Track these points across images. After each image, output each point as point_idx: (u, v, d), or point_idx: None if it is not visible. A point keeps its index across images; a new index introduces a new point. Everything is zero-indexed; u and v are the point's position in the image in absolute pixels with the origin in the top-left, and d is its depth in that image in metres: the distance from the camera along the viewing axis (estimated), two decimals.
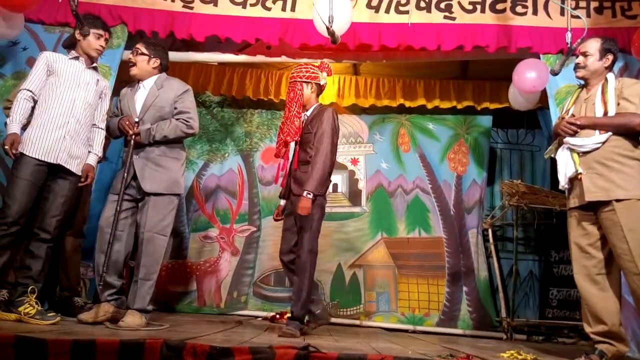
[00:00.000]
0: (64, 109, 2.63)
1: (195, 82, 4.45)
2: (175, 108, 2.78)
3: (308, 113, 2.94)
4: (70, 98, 2.64)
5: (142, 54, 2.80)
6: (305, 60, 3.76)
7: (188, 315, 3.92)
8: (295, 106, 2.88)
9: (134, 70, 2.81)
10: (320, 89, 3.00)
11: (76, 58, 2.70)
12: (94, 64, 2.79)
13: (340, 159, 4.69)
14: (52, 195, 2.61)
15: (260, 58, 3.88)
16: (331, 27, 2.86)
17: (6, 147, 2.52)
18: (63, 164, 2.61)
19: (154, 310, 4.03)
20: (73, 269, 3.07)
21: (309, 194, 2.75)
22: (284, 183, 3.02)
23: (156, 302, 4.27)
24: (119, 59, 3.45)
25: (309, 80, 2.93)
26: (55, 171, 2.61)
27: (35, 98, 2.62)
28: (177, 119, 2.76)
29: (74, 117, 2.65)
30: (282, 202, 3.04)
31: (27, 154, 2.53)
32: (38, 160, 2.54)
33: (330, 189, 4.63)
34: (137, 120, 2.72)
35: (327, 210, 4.50)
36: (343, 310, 4.35)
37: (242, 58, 3.92)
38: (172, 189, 2.72)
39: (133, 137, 2.68)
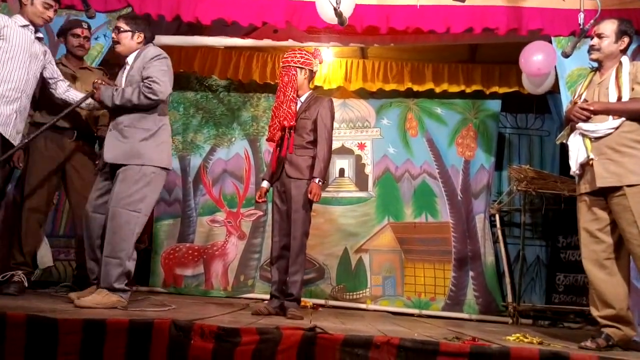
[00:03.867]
0: (16, 84, 2.52)
1: (201, 66, 4.43)
2: (144, 75, 2.59)
3: (302, 99, 2.97)
4: (24, 72, 2.55)
5: (125, 30, 2.67)
6: (310, 44, 3.74)
7: (195, 298, 3.96)
8: (291, 90, 2.90)
9: (118, 48, 2.70)
10: (312, 75, 3.03)
11: (26, 26, 2.58)
12: (39, 35, 2.68)
13: (347, 143, 4.68)
14: None
15: (267, 42, 3.85)
16: (339, 8, 2.82)
17: None
18: (9, 139, 2.54)
19: (163, 293, 4.13)
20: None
21: (320, 180, 2.82)
22: (274, 167, 2.99)
23: (164, 285, 4.37)
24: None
25: (303, 66, 2.93)
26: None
27: None
28: (142, 85, 2.57)
29: (25, 93, 2.59)
30: (265, 184, 3.03)
31: None
32: None
33: (337, 173, 4.66)
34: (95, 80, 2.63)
35: (334, 195, 4.58)
36: (349, 294, 4.38)
37: (248, 42, 3.89)
38: (132, 160, 2.52)
39: (97, 99, 2.59)
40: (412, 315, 4.14)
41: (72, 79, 3.02)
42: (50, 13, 2.63)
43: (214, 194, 4.58)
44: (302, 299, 3.24)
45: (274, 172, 2.99)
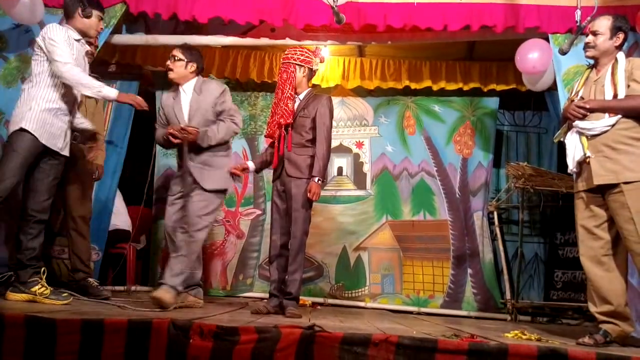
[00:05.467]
0: (70, 99, 2.62)
1: None
2: (218, 110, 2.89)
3: (301, 97, 2.96)
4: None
5: (180, 59, 2.89)
6: (307, 42, 3.74)
7: None
8: (289, 88, 2.89)
9: (171, 75, 2.92)
10: (311, 74, 3.02)
11: (79, 40, 2.66)
12: (88, 48, 2.75)
13: (345, 142, 4.67)
14: (46, 178, 2.58)
15: (264, 41, 3.84)
16: (336, 5, 2.82)
17: (138, 103, 2.58)
18: (60, 152, 2.61)
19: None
20: (86, 250, 3.12)
21: (320, 180, 2.84)
22: (275, 164, 2.99)
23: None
24: (105, 38, 3.46)
25: (302, 64, 2.93)
26: (45, 154, 2.58)
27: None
28: (225, 120, 2.88)
29: (77, 105, 2.70)
30: (250, 164, 3.07)
31: (31, 132, 2.48)
32: (40, 143, 2.52)
33: (335, 172, 4.66)
34: (182, 126, 2.78)
35: (332, 193, 4.57)
36: (348, 292, 4.39)
37: (246, 41, 3.88)
38: (227, 184, 2.94)
39: (186, 141, 2.79)
40: (410, 312, 4.15)
41: None
42: (102, 25, 2.76)
43: None
44: (300, 297, 3.25)
45: (275, 170, 2.99)
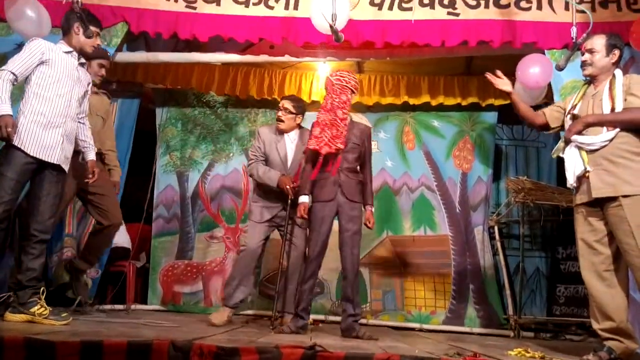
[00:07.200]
0: (61, 108, 2.58)
1: (199, 82, 4.45)
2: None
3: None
4: (67, 96, 2.60)
5: (291, 112, 3.26)
6: (307, 59, 3.77)
7: (195, 316, 3.93)
8: (347, 112, 2.97)
9: (281, 125, 3.28)
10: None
11: (69, 53, 2.65)
12: (83, 60, 2.75)
13: None
14: (47, 196, 2.55)
15: (263, 58, 3.88)
16: (334, 24, 2.85)
17: (3, 129, 2.36)
18: (61, 164, 2.58)
19: (161, 311, 4.10)
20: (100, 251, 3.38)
21: (372, 208, 3.07)
22: (298, 178, 3.10)
23: (163, 303, 4.33)
24: (110, 56, 3.48)
25: (355, 91, 3.05)
26: (42, 169, 2.54)
27: (15, 84, 2.50)
28: None
29: (70, 117, 2.63)
30: (307, 199, 2.95)
31: (22, 148, 2.45)
32: (30, 157, 2.47)
33: None
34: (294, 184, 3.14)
35: None
36: None
37: (245, 58, 3.92)
38: None
39: (292, 197, 3.12)
40: (413, 329, 4.11)
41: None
42: (98, 40, 2.78)
43: (212, 209, 4.57)
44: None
45: (307, 187, 2.96)
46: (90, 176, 2.80)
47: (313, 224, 2.95)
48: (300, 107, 3.31)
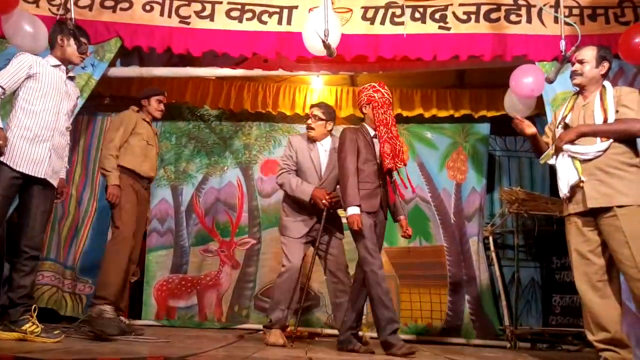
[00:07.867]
0: (48, 122, 2.56)
1: (193, 96, 4.47)
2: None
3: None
4: (55, 110, 2.58)
5: (321, 119, 3.19)
6: (300, 73, 3.79)
7: (189, 330, 3.89)
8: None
9: (312, 133, 3.21)
10: None
11: (57, 66, 2.64)
12: (72, 74, 2.74)
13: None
14: (36, 211, 2.52)
15: (257, 72, 3.91)
16: (327, 40, 2.88)
17: None
18: (48, 179, 2.55)
19: (156, 326, 4.05)
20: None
21: None
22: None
23: (157, 318, 4.29)
24: (102, 72, 3.55)
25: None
26: (30, 184, 2.52)
27: (2, 98, 2.50)
28: None
29: (58, 131, 2.61)
30: (358, 210, 2.77)
31: (8, 163, 2.43)
32: (17, 172, 2.45)
33: None
34: (329, 195, 3.07)
35: None
36: None
37: (239, 72, 3.94)
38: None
39: (327, 209, 3.04)
40: (410, 341, 4.08)
41: (146, 136, 3.39)
42: (86, 52, 2.78)
43: (207, 223, 4.55)
44: (298, 328, 3.22)
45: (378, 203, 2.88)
46: (59, 196, 2.73)
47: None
48: (330, 113, 3.24)
